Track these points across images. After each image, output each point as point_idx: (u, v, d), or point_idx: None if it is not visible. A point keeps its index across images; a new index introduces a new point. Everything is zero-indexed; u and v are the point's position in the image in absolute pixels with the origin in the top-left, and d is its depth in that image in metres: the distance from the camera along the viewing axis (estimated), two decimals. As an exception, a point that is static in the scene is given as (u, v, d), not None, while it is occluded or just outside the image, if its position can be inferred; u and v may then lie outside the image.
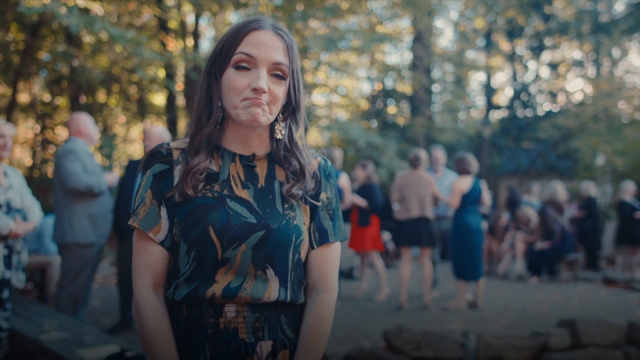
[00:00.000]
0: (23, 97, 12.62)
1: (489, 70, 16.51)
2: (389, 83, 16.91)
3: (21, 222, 3.46)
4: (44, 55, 11.29)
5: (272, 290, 1.25)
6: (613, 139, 13.44)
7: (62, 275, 4.45)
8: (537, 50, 15.85)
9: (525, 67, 16.76)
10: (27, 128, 13.93)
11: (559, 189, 8.97)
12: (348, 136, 11.07)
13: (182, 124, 11.74)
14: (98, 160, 8.22)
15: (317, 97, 15.61)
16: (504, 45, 16.54)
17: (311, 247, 1.35)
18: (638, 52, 17.59)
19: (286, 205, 1.30)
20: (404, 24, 16.26)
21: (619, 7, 16.79)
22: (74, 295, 4.42)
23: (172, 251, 1.27)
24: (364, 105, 17.27)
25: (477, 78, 18.79)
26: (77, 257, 4.40)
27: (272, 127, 1.34)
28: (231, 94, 1.25)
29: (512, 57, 16.53)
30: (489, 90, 16.49)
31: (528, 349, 4.08)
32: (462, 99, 16.15)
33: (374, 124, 16.79)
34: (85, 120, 4.59)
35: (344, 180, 6.14)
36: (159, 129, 5.06)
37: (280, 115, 1.33)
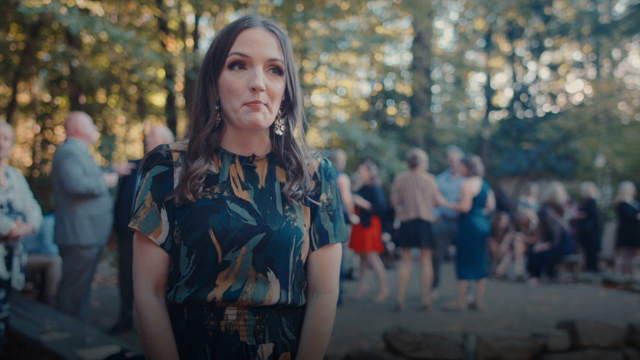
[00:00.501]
0: (23, 97, 12.61)
1: (489, 71, 16.53)
2: (389, 84, 16.92)
3: (22, 224, 3.46)
4: (44, 56, 11.28)
5: (273, 293, 1.25)
6: (613, 140, 13.45)
7: (64, 277, 4.46)
8: (537, 51, 15.87)
9: (525, 68, 16.78)
10: (27, 128, 13.93)
11: (559, 191, 8.97)
12: (347, 137, 11.06)
13: (182, 125, 11.73)
14: (98, 161, 8.22)
15: (317, 98, 15.61)
16: (504, 46, 16.56)
17: (311, 248, 1.34)
18: (638, 53, 17.59)
19: (286, 207, 1.30)
20: (404, 24, 16.26)
21: (619, 8, 16.82)
22: (75, 295, 4.43)
23: (173, 254, 1.27)
24: (364, 106, 17.27)
25: (477, 79, 18.82)
26: (79, 258, 4.41)
27: (271, 125, 1.32)
28: (230, 97, 1.24)
29: (512, 58, 16.55)
30: (488, 92, 16.50)
31: (527, 350, 4.08)
32: (462, 100, 16.16)
33: (374, 124, 16.79)
34: (83, 120, 4.59)
35: (342, 180, 6.14)
36: (162, 129, 5.06)
37: (279, 111, 1.32)
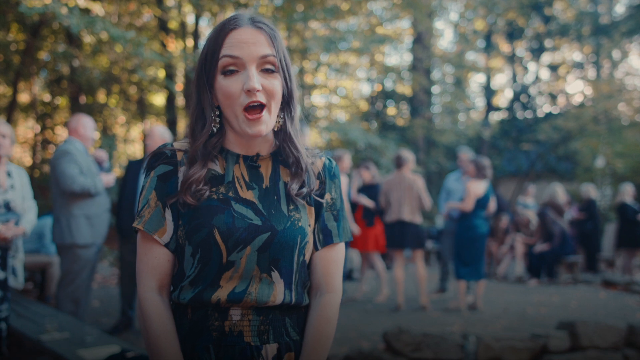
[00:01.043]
0: (23, 97, 12.62)
1: (489, 72, 16.55)
2: (389, 84, 16.93)
3: (12, 226, 3.41)
4: (44, 56, 11.30)
5: (278, 293, 1.25)
6: (613, 141, 13.46)
7: (62, 276, 4.47)
8: (537, 51, 15.89)
9: (525, 68, 16.80)
10: (27, 128, 13.94)
11: (559, 191, 8.97)
12: (347, 137, 11.08)
13: (182, 125, 11.75)
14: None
15: (317, 98, 15.63)
16: (504, 46, 16.58)
17: (315, 248, 1.33)
18: (638, 54, 17.61)
19: (291, 207, 1.29)
20: (404, 25, 16.28)
21: (619, 9, 16.84)
22: (74, 295, 4.43)
23: (177, 253, 1.27)
24: (364, 106, 17.29)
25: (477, 79, 18.84)
26: (76, 257, 4.41)
27: None
28: (228, 102, 1.23)
29: (512, 59, 16.57)
30: (488, 92, 16.52)
31: (527, 351, 4.08)
32: (462, 101, 16.18)
33: (374, 125, 16.81)
34: (85, 122, 4.60)
35: (342, 181, 6.14)
36: (161, 129, 5.06)
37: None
